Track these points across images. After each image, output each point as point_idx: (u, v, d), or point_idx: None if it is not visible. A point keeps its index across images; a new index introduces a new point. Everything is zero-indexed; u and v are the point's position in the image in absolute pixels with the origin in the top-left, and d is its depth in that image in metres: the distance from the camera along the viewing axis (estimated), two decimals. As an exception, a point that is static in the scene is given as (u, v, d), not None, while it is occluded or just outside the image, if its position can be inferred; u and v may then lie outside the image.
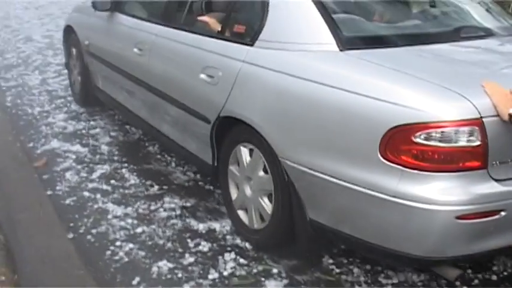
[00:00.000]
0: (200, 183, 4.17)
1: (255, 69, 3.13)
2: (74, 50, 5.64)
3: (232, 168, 3.41)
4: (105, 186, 4.11)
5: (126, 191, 4.03)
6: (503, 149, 2.54)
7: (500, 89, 2.53)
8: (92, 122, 5.37)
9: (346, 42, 2.91)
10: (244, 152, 3.26)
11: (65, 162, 4.52)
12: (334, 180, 2.70)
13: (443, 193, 2.47)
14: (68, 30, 5.74)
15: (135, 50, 4.23)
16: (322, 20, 2.99)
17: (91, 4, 4.78)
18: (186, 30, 3.85)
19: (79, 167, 4.44)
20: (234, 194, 3.44)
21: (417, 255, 2.62)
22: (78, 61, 5.53)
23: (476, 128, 2.43)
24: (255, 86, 3.12)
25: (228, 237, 3.43)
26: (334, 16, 3.04)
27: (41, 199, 3.90)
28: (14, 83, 6.85)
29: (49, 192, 4.02)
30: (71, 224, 3.58)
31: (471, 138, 2.46)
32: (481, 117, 2.44)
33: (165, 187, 4.08)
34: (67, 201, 3.89)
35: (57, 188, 4.09)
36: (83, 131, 5.17)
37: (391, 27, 3.25)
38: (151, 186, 4.11)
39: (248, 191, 3.29)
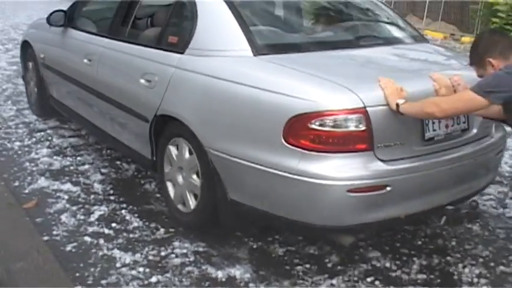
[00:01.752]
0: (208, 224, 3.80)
1: (184, 73, 3.63)
2: (30, 64, 6.07)
3: (167, 160, 3.85)
4: (106, 230, 3.78)
5: (131, 235, 3.72)
6: (386, 134, 3.06)
7: (392, 84, 3.05)
8: (79, 158, 5.05)
9: (259, 49, 3.43)
10: (180, 147, 3.72)
11: (58, 203, 4.17)
12: (247, 163, 3.20)
13: (336, 170, 2.97)
14: (25, 45, 6.18)
15: (85, 60, 4.69)
16: (240, 31, 3.51)
17: (46, 20, 5.21)
18: (128, 42, 4.34)
19: (74, 208, 4.10)
20: (169, 185, 3.88)
21: (317, 224, 3.11)
22: (34, 73, 5.95)
23: (361, 115, 2.95)
24: (185, 87, 3.62)
25: (251, 284, 3.24)
26: (251, 28, 3.56)
27: (38, 245, 3.54)
28: None
29: (46, 238, 3.66)
30: (77, 274, 3.28)
31: (357, 124, 2.96)
32: (365, 106, 2.95)
33: (171, 230, 3.79)
34: (68, 248, 3.56)
35: (54, 232, 3.74)
36: (71, 168, 4.84)
37: (299, 36, 3.81)
38: (157, 229, 3.81)
39: (180, 179, 3.74)
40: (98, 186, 4.49)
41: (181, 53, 3.71)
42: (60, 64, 5.30)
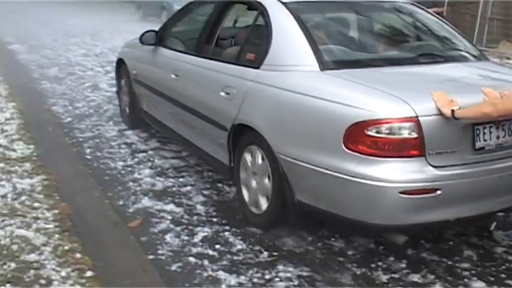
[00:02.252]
0: (310, 248, 3.91)
1: (259, 86, 4.09)
2: (123, 80, 6.75)
3: (243, 166, 4.31)
4: (211, 252, 3.81)
5: (235, 258, 3.73)
6: (438, 142, 3.39)
7: (444, 96, 3.40)
8: (181, 179, 5.12)
9: (325, 65, 3.86)
10: (254, 154, 4.17)
11: (162, 223, 4.25)
12: (312, 167, 3.61)
13: (390, 174, 3.33)
14: (119, 63, 6.86)
15: (173, 76, 5.25)
16: (309, 49, 3.95)
17: (139, 40, 5.83)
18: (211, 59, 4.85)
19: (178, 228, 4.16)
20: (244, 189, 4.34)
21: (372, 223, 3.48)
22: (127, 89, 6.61)
23: (414, 124, 3.31)
24: (259, 99, 4.08)
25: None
26: (319, 46, 4.00)
27: (144, 264, 3.65)
28: (90, 133, 6.59)
29: (151, 257, 3.74)
30: (184, 295, 3.31)
31: (410, 132, 3.32)
32: (417, 116, 3.31)
33: (275, 253, 3.79)
34: (173, 268, 3.61)
35: (159, 252, 3.81)
36: (173, 189, 4.91)
37: (363, 54, 4.20)
38: (260, 252, 3.82)
39: (254, 183, 4.19)
40: (200, 208, 4.53)
41: (257, 68, 4.18)
42: (150, 79, 5.91)
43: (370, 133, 3.33)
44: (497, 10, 16.18)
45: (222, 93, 4.42)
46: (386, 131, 3.32)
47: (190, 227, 4.20)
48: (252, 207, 4.24)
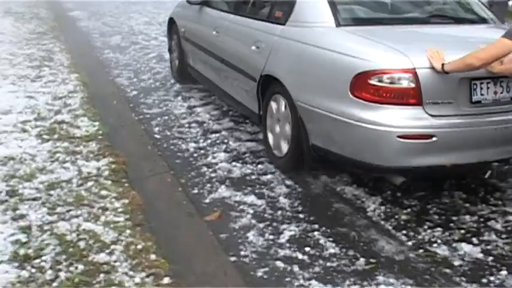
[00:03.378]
0: (411, 255, 3.50)
1: (283, 41, 4.59)
2: (174, 37, 7.35)
3: (269, 113, 4.84)
4: (300, 255, 3.44)
5: (328, 264, 3.36)
6: (434, 92, 3.80)
7: (437, 52, 3.81)
8: (259, 166, 4.76)
9: (341, 22, 4.32)
10: (278, 102, 4.67)
11: (242, 218, 3.88)
12: (323, 112, 4.09)
13: (389, 119, 3.78)
14: (170, 22, 7.50)
15: (214, 32, 5.80)
16: (328, 8, 4.41)
17: (187, 0, 6.40)
18: (247, 17, 5.36)
19: (261, 225, 3.79)
20: (269, 134, 4.87)
21: (374, 164, 3.94)
22: (177, 45, 7.20)
23: (411, 75, 3.74)
24: (283, 52, 4.58)
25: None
26: (338, 6, 4.45)
27: (225, 266, 3.32)
28: (157, 110, 6.29)
29: (233, 258, 3.40)
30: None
31: (408, 82, 3.76)
32: (415, 68, 3.73)
33: (372, 260, 3.41)
34: (258, 273, 3.26)
35: (242, 253, 3.45)
36: (253, 177, 4.55)
37: (377, 13, 4.62)
38: (356, 258, 3.44)
39: (278, 129, 4.70)
40: (284, 201, 4.15)
41: (283, 24, 4.68)
42: (195, 36, 6.49)
43: (372, 82, 3.77)
44: None
45: (253, 47, 4.93)
46: (387, 81, 3.76)
47: (274, 224, 3.82)
48: (275, 151, 4.76)
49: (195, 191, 4.30)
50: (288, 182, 4.46)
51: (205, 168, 4.71)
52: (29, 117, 5.61)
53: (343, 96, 3.91)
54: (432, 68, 3.74)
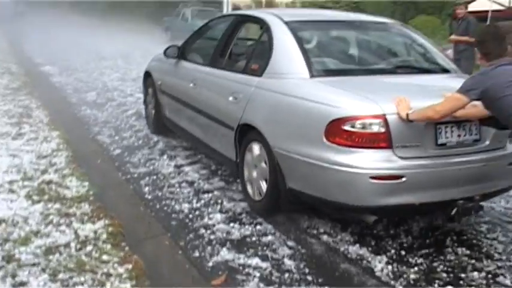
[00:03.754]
0: None
1: (261, 92, 4.92)
2: (150, 90, 7.66)
3: (246, 160, 5.12)
4: None
5: None
6: (403, 137, 4.13)
7: (404, 100, 4.17)
8: (258, 227, 4.71)
9: (314, 73, 4.67)
10: (255, 149, 4.96)
11: (250, 282, 3.83)
12: (300, 157, 4.39)
13: (362, 162, 4.09)
14: (146, 75, 7.81)
15: (191, 85, 6.11)
16: (302, 60, 4.76)
17: (163, 54, 6.73)
18: (224, 69, 5.70)
19: None
20: (247, 179, 5.14)
21: (348, 204, 4.24)
22: (153, 98, 7.51)
23: (382, 120, 4.08)
24: (260, 102, 4.90)
25: None
26: (311, 59, 4.81)
27: None
28: (144, 169, 6.20)
29: None
30: None
31: (379, 127, 4.09)
32: (384, 114, 4.08)
33: None
34: None
35: None
36: (253, 238, 4.50)
37: (347, 65, 5.01)
38: None
39: (255, 174, 4.99)
40: (289, 263, 4.12)
41: (260, 76, 5.01)
42: (172, 88, 6.80)
43: (345, 128, 4.10)
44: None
45: (231, 98, 5.25)
46: (359, 126, 4.08)
47: (283, 287, 3.82)
48: (252, 194, 5.05)
49: (197, 254, 4.22)
50: (290, 243, 4.45)
51: (202, 230, 4.63)
52: (15, 176, 5.53)
53: (319, 141, 4.23)
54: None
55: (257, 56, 5.35)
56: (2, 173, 5.63)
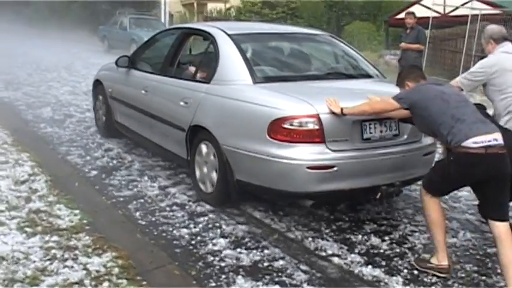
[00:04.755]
0: None
1: (209, 97, 5.70)
2: (100, 97, 8.34)
3: (197, 157, 5.88)
4: None
5: None
6: (334, 132, 4.97)
7: (334, 101, 5.00)
8: (266, 251, 4.73)
9: (257, 80, 5.49)
10: (205, 147, 5.73)
11: None
12: (246, 152, 5.18)
13: (299, 154, 4.91)
14: (96, 83, 8.53)
15: (142, 91, 6.85)
16: (246, 69, 5.57)
17: (114, 63, 7.45)
18: (174, 78, 6.46)
19: None
20: (197, 173, 5.90)
21: (288, 191, 5.05)
22: (104, 104, 8.20)
23: (316, 119, 4.91)
24: (209, 106, 5.68)
25: None
26: (253, 67, 5.62)
27: None
28: (128, 192, 6.11)
29: None
30: None
31: (313, 125, 4.92)
32: (318, 113, 4.91)
33: None
34: None
35: None
36: (265, 264, 4.50)
37: (286, 72, 5.86)
38: None
39: (205, 170, 5.76)
40: None
41: (208, 83, 5.80)
42: (123, 95, 7.52)
43: (285, 126, 4.91)
44: (477, 47, 17.57)
45: (182, 103, 6.01)
46: (297, 124, 4.91)
47: None
48: (202, 187, 5.82)
49: (213, 284, 4.17)
50: (303, 267, 4.49)
51: (210, 257, 4.58)
52: None
53: (262, 138, 5.03)
54: (332, 113, 4.92)
55: (205, 65, 6.15)
56: (-18, 202, 5.38)
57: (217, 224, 5.29)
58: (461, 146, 4.12)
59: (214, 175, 5.62)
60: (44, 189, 5.87)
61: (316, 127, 4.91)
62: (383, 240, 5.08)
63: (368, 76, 6.13)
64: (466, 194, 6.13)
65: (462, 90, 5.21)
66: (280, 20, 33.40)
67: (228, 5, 40.47)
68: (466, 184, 4.51)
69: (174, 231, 5.12)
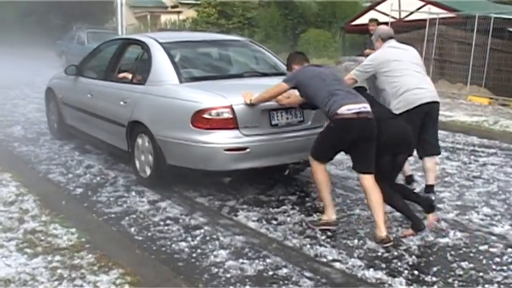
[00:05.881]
0: None
1: (145, 96, 6.92)
2: (52, 103, 9.53)
3: (135, 148, 7.09)
4: None
5: None
6: (246, 120, 6.21)
7: (248, 93, 6.23)
8: (267, 260, 4.88)
9: (182, 80, 6.74)
10: (142, 139, 6.93)
11: None
12: (174, 140, 6.39)
13: (218, 139, 6.14)
14: (48, 91, 9.74)
15: (88, 95, 8.05)
16: (173, 71, 6.81)
17: (64, 71, 8.66)
18: (114, 82, 7.69)
19: None
20: (137, 162, 7.11)
21: (210, 170, 6.29)
22: (55, 109, 9.38)
23: (229, 109, 6.15)
24: (144, 104, 6.90)
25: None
26: (180, 70, 6.87)
27: None
28: (118, 208, 6.24)
29: None
30: None
31: (228, 115, 6.16)
32: (231, 105, 6.15)
33: None
34: None
35: None
36: (269, 273, 4.66)
37: (207, 72, 7.13)
38: None
39: (143, 158, 6.97)
40: None
41: (143, 84, 7.03)
42: (72, 100, 8.72)
43: (205, 116, 6.13)
44: (435, 51, 18.07)
45: (122, 103, 7.21)
46: (214, 114, 6.13)
47: None
48: (141, 173, 7.01)
49: None
50: (307, 274, 4.66)
51: (214, 269, 4.71)
52: None
53: (187, 127, 6.24)
54: (244, 104, 6.15)
55: (140, 70, 7.38)
56: (-25, 225, 5.48)
57: (215, 236, 5.42)
58: (337, 114, 5.33)
59: (150, 161, 6.80)
60: (35, 209, 5.96)
61: (230, 116, 6.13)
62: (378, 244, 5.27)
63: (281, 74, 7.37)
64: (448, 194, 6.85)
65: (357, 81, 6.46)
66: (237, 30, 34.50)
67: (183, 17, 41.13)
68: (343, 146, 5.58)
69: (173, 245, 5.21)
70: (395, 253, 5.11)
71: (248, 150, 6.16)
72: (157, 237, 5.41)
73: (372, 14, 22.44)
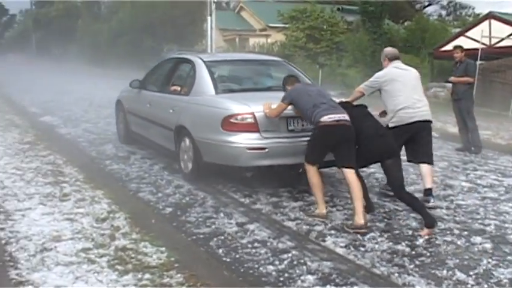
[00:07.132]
0: None
1: (188, 105, 8.64)
2: (121, 113, 11.51)
3: (181, 148, 8.78)
4: None
5: None
6: (266, 125, 7.75)
7: (268, 104, 7.81)
8: (355, 287, 5.00)
9: (218, 92, 8.42)
10: (185, 140, 8.60)
11: None
12: (210, 141, 8.01)
13: (242, 140, 7.71)
14: (118, 103, 11.75)
15: (148, 105, 9.90)
16: (211, 85, 8.51)
17: (129, 85, 10.59)
18: (167, 93, 9.50)
19: None
20: (182, 160, 8.81)
21: (236, 166, 7.88)
22: (123, 118, 11.37)
23: (252, 115, 7.72)
24: (187, 111, 8.61)
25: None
26: (217, 83, 8.55)
27: None
28: (206, 229, 6.43)
29: None
30: None
31: (251, 120, 7.75)
32: (253, 112, 7.74)
33: None
34: None
35: None
36: None
37: (240, 86, 8.80)
38: None
39: (186, 156, 8.66)
40: None
41: (188, 95, 8.77)
42: (135, 109, 10.64)
43: (232, 120, 7.72)
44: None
45: (171, 110, 8.97)
46: (240, 119, 7.71)
47: None
48: (185, 170, 8.69)
49: None
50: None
51: None
52: (86, 244, 5.68)
53: (218, 130, 7.83)
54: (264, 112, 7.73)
55: (187, 83, 9.11)
56: (69, 240, 5.79)
57: (302, 261, 5.47)
58: (320, 122, 6.76)
59: (191, 159, 8.44)
60: (126, 226, 6.22)
61: (253, 121, 7.68)
62: (468, 275, 5.27)
63: None
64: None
65: (364, 94, 7.88)
66: (325, 54, 35.38)
67: (271, 40, 42.12)
68: (328, 148, 6.90)
69: (261, 268, 5.30)
70: (486, 286, 5.10)
71: (267, 150, 7.61)
72: (245, 260, 5.52)
73: (461, 40, 22.80)
